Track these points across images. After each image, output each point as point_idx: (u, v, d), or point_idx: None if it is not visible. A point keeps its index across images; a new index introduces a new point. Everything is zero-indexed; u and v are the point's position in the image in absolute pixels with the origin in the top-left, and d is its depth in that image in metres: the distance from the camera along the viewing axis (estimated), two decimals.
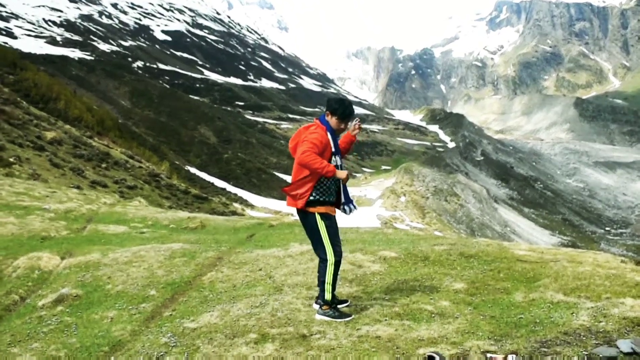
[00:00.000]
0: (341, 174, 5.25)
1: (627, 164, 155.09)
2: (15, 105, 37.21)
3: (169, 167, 52.84)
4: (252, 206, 54.88)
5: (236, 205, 46.17)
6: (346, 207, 5.70)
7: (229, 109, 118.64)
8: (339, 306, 5.50)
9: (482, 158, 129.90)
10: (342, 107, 5.49)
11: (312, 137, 5.32)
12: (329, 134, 5.46)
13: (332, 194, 5.48)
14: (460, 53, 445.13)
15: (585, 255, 7.38)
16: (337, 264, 5.41)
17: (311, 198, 5.37)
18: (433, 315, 5.17)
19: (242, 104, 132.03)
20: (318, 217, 5.39)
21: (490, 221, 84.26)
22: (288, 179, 76.47)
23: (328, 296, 5.35)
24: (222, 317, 5.43)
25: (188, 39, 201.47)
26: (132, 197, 28.46)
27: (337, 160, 5.48)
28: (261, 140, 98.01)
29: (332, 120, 5.51)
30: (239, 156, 79.62)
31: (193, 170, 67.41)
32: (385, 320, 5.08)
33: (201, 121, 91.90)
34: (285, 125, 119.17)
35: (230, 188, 63.09)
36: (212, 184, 60.52)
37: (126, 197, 27.96)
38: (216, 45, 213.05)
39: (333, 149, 5.45)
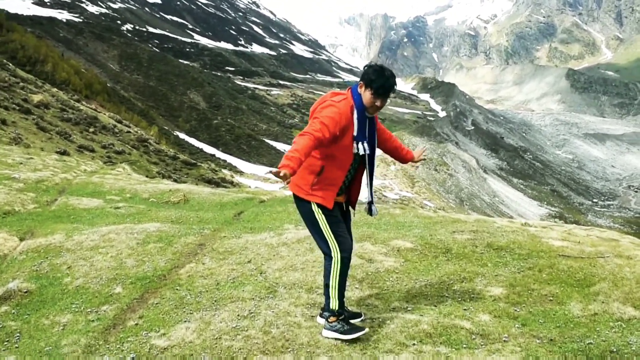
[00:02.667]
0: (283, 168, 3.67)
1: (616, 136, 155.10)
2: (1, 67, 36.12)
3: (158, 132, 52.11)
4: (241, 173, 54.17)
5: (225, 171, 45.27)
6: (373, 207, 4.63)
7: (219, 74, 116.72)
8: (351, 321, 4.34)
9: (472, 128, 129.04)
10: (380, 79, 4.14)
11: (327, 113, 4.09)
12: (355, 111, 4.21)
13: (337, 187, 4.32)
14: (453, 21, 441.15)
15: (627, 247, 6.29)
16: (345, 261, 4.21)
17: (312, 186, 4.26)
18: (473, 336, 4.01)
19: (232, 69, 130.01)
20: (314, 207, 4.25)
21: (479, 191, 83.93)
22: (278, 146, 75.80)
23: (334, 304, 4.19)
24: (200, 333, 4.26)
25: (178, 2, 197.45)
26: (120, 162, 27.81)
27: (363, 148, 4.28)
28: (251, 106, 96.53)
29: (366, 95, 4.19)
30: (229, 122, 78.58)
31: (182, 135, 66.58)
32: (413, 344, 3.91)
33: (191, 86, 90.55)
34: (275, 91, 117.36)
35: (220, 154, 62.45)
36: (201, 149, 59.81)
37: (113, 161, 27.35)
38: (207, 9, 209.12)
39: (356, 132, 4.23)
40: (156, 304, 5.03)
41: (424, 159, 4.98)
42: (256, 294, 5.07)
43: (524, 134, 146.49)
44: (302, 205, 4.31)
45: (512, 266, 5.57)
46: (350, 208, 4.62)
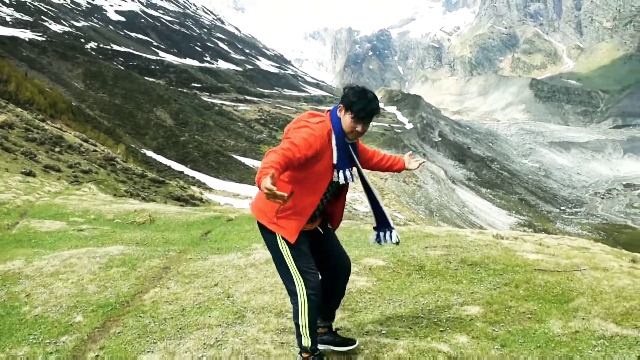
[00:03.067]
0: (265, 182, 3.17)
1: (581, 143, 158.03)
2: None
3: (125, 150, 51.43)
4: (210, 189, 53.71)
5: (194, 188, 44.76)
6: (382, 234, 4.29)
7: (185, 90, 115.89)
8: (343, 349, 4.12)
9: (439, 139, 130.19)
10: (361, 101, 3.74)
11: (300, 134, 3.69)
12: (334, 137, 3.80)
13: (306, 217, 3.87)
14: (417, 34, 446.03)
15: (602, 258, 6.21)
16: (313, 299, 3.80)
17: (277, 213, 3.78)
18: None
19: (198, 85, 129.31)
20: (279, 238, 3.83)
21: (449, 202, 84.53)
22: (247, 161, 75.39)
23: (306, 342, 3.84)
24: None
25: (142, 20, 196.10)
26: (87, 181, 27.34)
27: (344, 176, 3.88)
28: (218, 122, 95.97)
29: (345, 119, 3.78)
30: (196, 139, 77.88)
31: (149, 153, 65.76)
32: None
33: (157, 103, 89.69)
34: (242, 107, 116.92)
35: (188, 171, 61.84)
36: (170, 167, 59.17)
37: (80, 181, 26.77)
38: (171, 25, 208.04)
39: (336, 160, 3.81)
40: (118, 333, 4.76)
41: (422, 164, 4.57)
42: (223, 320, 4.82)
43: (490, 144, 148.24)
44: (266, 234, 3.92)
45: (488, 282, 5.43)
46: (329, 229, 4.23)
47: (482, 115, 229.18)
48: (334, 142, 3.78)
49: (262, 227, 3.93)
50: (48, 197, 15.94)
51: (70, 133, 40.55)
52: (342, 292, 4.30)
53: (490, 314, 4.61)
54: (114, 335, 4.72)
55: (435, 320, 4.58)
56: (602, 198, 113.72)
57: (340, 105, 3.83)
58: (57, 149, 32.06)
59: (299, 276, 3.81)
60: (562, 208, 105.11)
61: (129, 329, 4.82)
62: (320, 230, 4.14)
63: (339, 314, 4.89)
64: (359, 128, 3.79)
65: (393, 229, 4.28)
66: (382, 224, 4.30)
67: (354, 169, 4.00)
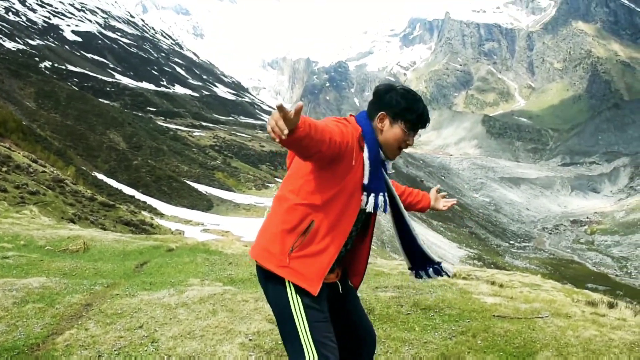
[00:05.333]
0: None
1: (530, 180, 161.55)
2: None
3: (75, 172, 50.25)
4: (161, 215, 52.66)
5: (145, 213, 43.70)
6: (422, 272, 3.24)
7: (140, 114, 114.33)
8: None
9: (392, 171, 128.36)
10: (417, 106, 2.90)
11: (330, 126, 2.61)
12: (367, 149, 2.77)
13: (332, 259, 2.75)
14: (374, 67, 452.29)
15: (563, 303, 5.80)
16: None
17: (291, 252, 2.69)
18: None
19: (154, 109, 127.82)
20: (290, 290, 2.70)
21: None
22: (200, 187, 74.28)
23: None
24: None
25: (100, 41, 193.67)
26: (34, 202, 26.29)
27: (375, 203, 2.80)
28: (173, 147, 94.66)
29: (394, 130, 2.87)
30: (149, 163, 76.57)
31: (100, 176, 64.32)
32: None
33: (110, 126, 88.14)
34: (197, 132, 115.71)
35: (140, 196, 60.68)
36: (121, 190, 57.94)
37: (27, 202, 25.68)
38: (129, 48, 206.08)
39: (367, 179, 2.76)
40: None
41: (453, 205, 3.62)
42: None
43: (442, 177, 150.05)
44: (271, 285, 2.77)
45: (443, 330, 4.90)
46: (349, 285, 3.10)
47: (436, 149, 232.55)
48: (365, 153, 2.76)
49: (265, 274, 2.78)
50: None
51: (19, 153, 39.35)
52: None
53: None
54: None
55: None
56: (550, 233, 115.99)
57: (382, 113, 2.87)
58: (4, 169, 31.01)
59: (313, 349, 2.62)
60: (511, 242, 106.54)
61: None
62: (340, 286, 3.03)
63: None
64: (410, 141, 2.94)
65: (432, 260, 3.27)
66: (421, 259, 3.26)
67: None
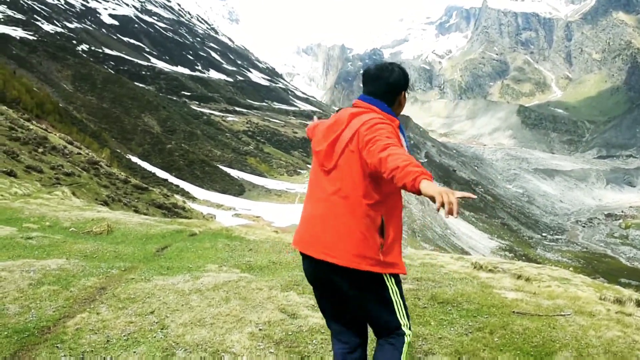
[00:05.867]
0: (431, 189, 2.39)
1: (565, 172, 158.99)
2: None
3: (110, 154, 51.06)
4: (193, 198, 53.26)
5: (177, 197, 44.29)
6: None
7: (174, 98, 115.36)
8: None
9: (425, 160, 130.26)
10: (406, 76, 3.09)
11: (385, 130, 2.80)
12: (402, 139, 2.99)
13: (400, 231, 3.01)
14: (409, 55, 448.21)
15: (588, 300, 5.59)
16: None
17: (381, 249, 2.87)
18: None
19: (188, 94, 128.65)
20: (389, 281, 2.92)
21: (432, 223, 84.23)
22: (232, 172, 74.67)
23: None
24: None
25: (136, 25, 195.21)
26: (69, 183, 26.88)
27: None
28: (206, 132, 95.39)
29: (401, 102, 3.10)
30: (183, 147, 77.34)
31: (134, 159, 65.27)
32: None
33: (145, 109, 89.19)
34: (231, 117, 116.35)
35: (172, 179, 61.46)
36: (154, 174, 58.70)
37: (62, 183, 26.18)
38: (165, 32, 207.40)
39: None
40: None
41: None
42: (148, 358, 4.12)
43: (475, 168, 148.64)
44: (364, 283, 2.91)
45: (459, 326, 4.75)
46: None
47: (469, 138, 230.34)
48: (404, 142, 3.00)
49: (358, 275, 2.89)
50: (10, 200, 15.19)
51: (55, 134, 40.04)
52: None
53: None
54: None
55: None
56: (584, 226, 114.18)
57: (403, 91, 3.07)
58: (40, 150, 31.65)
59: (407, 318, 2.98)
60: (543, 234, 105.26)
61: None
62: None
63: (283, 357, 4.19)
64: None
65: None
66: None
67: None
